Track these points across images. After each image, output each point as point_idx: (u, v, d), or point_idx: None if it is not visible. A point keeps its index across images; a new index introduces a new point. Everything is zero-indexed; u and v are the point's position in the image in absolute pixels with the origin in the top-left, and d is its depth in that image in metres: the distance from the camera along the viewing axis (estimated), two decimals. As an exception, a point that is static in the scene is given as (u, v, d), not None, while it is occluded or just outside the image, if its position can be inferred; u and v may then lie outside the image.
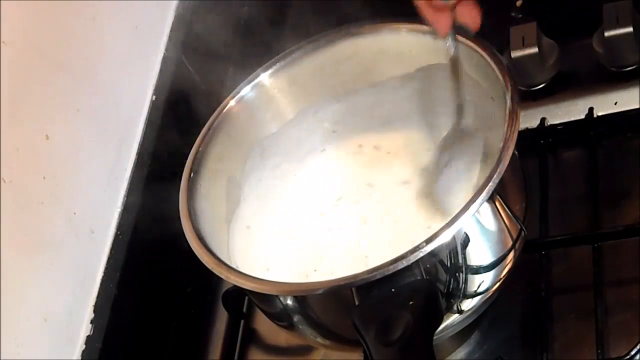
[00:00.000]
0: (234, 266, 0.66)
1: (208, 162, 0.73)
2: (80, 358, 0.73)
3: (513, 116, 0.64)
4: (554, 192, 0.77)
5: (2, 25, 0.68)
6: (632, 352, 0.66)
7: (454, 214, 0.60)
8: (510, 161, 0.61)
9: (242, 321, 0.83)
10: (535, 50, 0.80)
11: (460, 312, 0.65)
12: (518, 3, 0.87)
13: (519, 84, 0.78)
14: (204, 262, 0.65)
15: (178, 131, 0.84)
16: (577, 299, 0.73)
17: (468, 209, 0.59)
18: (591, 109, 0.80)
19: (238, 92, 0.75)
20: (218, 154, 0.73)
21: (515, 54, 0.80)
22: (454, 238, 0.61)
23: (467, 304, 0.65)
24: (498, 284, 0.66)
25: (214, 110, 0.75)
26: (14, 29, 0.70)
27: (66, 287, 0.74)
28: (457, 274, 0.63)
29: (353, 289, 0.60)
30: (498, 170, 0.61)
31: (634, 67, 0.80)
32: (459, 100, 0.71)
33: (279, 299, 0.65)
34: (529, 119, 0.81)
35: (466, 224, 0.61)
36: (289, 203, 0.77)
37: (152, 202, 0.81)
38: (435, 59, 0.72)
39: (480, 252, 0.64)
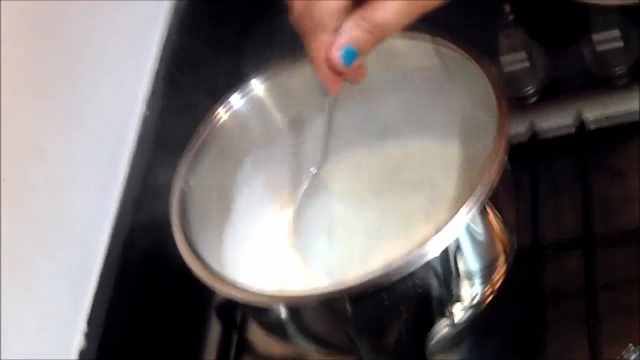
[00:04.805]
0: (226, 277, 0.66)
1: (199, 173, 0.73)
2: (74, 371, 0.73)
3: (503, 124, 0.64)
4: (545, 199, 0.77)
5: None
6: (625, 356, 0.66)
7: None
8: (501, 169, 0.61)
9: (236, 332, 0.83)
10: (524, 56, 0.80)
11: (453, 320, 0.65)
12: (506, 10, 0.88)
13: (508, 91, 0.78)
14: (196, 274, 0.65)
15: (170, 141, 0.84)
16: (569, 304, 0.73)
17: (460, 218, 0.60)
18: (581, 115, 0.80)
19: (229, 103, 0.75)
20: (209, 164, 0.73)
21: (504, 60, 0.81)
22: (445, 247, 0.61)
23: (460, 312, 0.65)
24: (491, 292, 0.66)
25: (205, 121, 0.75)
26: (6, 40, 0.70)
27: (59, 299, 0.74)
28: (449, 283, 0.63)
29: (346, 299, 0.61)
30: (489, 179, 0.61)
31: (622, 72, 0.80)
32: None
33: (272, 310, 0.65)
34: (519, 126, 0.81)
35: (458, 233, 0.61)
36: (281, 213, 0.77)
37: (144, 213, 0.81)
38: (427, 64, 0.72)
39: (472, 261, 0.64)
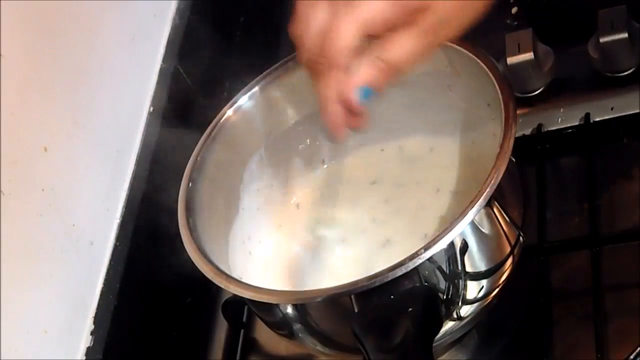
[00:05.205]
0: (233, 275, 0.66)
1: (206, 172, 0.73)
2: (80, 370, 0.74)
3: (509, 123, 0.64)
4: (551, 197, 0.77)
5: (2, 38, 0.69)
6: (631, 357, 0.66)
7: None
8: (507, 167, 0.61)
9: (242, 331, 0.83)
10: (531, 56, 0.80)
11: (459, 318, 0.65)
12: (513, 10, 0.88)
13: (515, 91, 0.78)
14: (203, 271, 0.65)
15: (176, 142, 0.84)
16: (576, 303, 0.73)
17: (466, 215, 0.60)
18: (587, 115, 0.80)
19: (236, 101, 0.75)
20: (216, 163, 0.73)
21: (511, 60, 0.81)
22: (452, 245, 0.61)
23: (466, 310, 0.65)
24: (497, 289, 0.66)
25: (212, 120, 0.75)
26: (12, 42, 0.70)
27: (66, 298, 0.74)
28: (455, 281, 0.63)
29: (352, 297, 0.61)
30: (495, 176, 0.61)
31: (629, 72, 0.80)
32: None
33: (279, 308, 0.65)
34: (526, 125, 0.81)
35: (464, 231, 0.61)
36: (287, 212, 0.77)
37: (150, 212, 0.81)
38: (433, 63, 0.72)
39: (478, 259, 0.64)
